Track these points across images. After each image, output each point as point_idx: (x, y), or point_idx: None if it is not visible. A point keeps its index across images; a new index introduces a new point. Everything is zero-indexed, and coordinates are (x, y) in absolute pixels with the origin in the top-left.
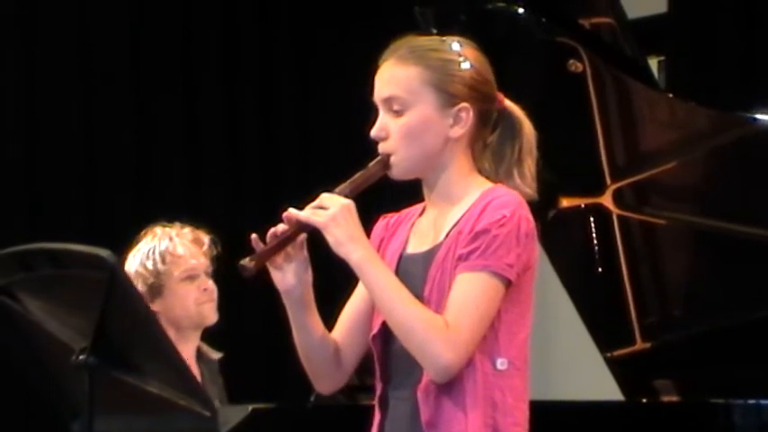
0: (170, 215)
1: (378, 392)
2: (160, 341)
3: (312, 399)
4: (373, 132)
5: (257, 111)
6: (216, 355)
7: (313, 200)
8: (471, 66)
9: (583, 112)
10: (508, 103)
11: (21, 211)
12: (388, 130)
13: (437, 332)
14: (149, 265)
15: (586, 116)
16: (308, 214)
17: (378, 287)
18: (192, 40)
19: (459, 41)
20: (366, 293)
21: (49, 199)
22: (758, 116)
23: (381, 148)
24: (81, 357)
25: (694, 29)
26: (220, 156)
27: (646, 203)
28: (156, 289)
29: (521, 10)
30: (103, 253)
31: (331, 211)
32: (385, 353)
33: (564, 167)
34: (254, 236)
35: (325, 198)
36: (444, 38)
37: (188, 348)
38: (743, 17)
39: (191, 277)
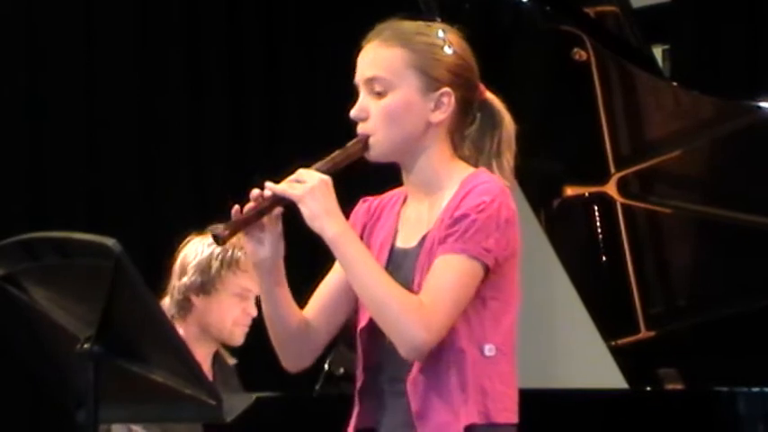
0: (174, 207)
1: (359, 384)
2: (165, 330)
3: (317, 388)
4: (353, 112)
5: (262, 110)
6: (232, 361)
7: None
8: (455, 52)
9: (587, 100)
10: (489, 94)
11: (24, 200)
12: (369, 111)
13: (411, 311)
14: (214, 265)
15: (590, 105)
16: (284, 187)
17: (352, 263)
18: (198, 37)
19: (443, 28)
20: (342, 274)
21: (54, 189)
22: (762, 104)
23: (361, 128)
24: (86, 346)
25: (699, 17)
26: (223, 153)
27: (650, 192)
28: (207, 288)
29: None
30: (109, 242)
31: (308, 185)
32: (375, 345)
33: (568, 156)
34: (235, 207)
35: (302, 172)
36: (429, 23)
37: (203, 350)
38: (747, 5)
39: (242, 296)
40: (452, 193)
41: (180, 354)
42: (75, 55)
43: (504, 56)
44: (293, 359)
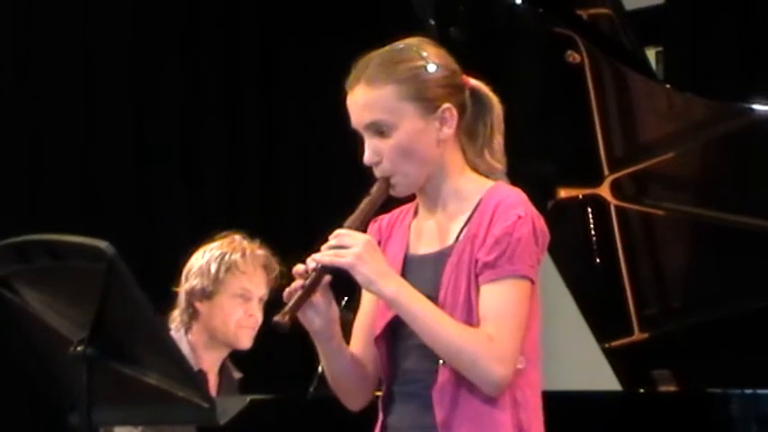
0: (169, 210)
1: (383, 392)
2: (159, 332)
3: (311, 390)
4: (366, 160)
5: (261, 113)
6: (237, 375)
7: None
8: (438, 65)
9: (581, 102)
10: (473, 81)
11: (20, 203)
12: (381, 154)
13: (485, 350)
14: (213, 268)
15: (584, 107)
16: (331, 257)
17: (417, 316)
18: (197, 38)
19: (416, 44)
20: (373, 300)
21: (49, 191)
22: (756, 106)
23: (379, 171)
24: (79, 349)
25: (692, 19)
26: (220, 156)
27: (644, 194)
28: (208, 293)
29: (519, 1)
30: (101, 244)
31: (355, 250)
32: (390, 353)
33: (562, 158)
34: (286, 290)
35: (344, 236)
36: (401, 44)
37: (212, 357)
38: (740, 7)
39: (243, 297)
40: (472, 205)
41: (173, 356)
42: (73, 57)
43: (497, 58)
44: (357, 397)
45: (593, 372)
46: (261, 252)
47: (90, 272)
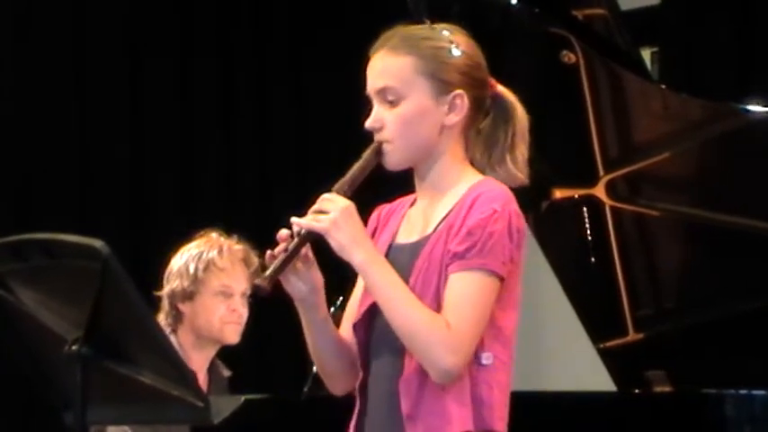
0: (162, 209)
1: (359, 380)
2: (153, 331)
3: (305, 390)
4: (368, 124)
5: (253, 113)
6: (226, 373)
7: (312, 202)
8: (463, 52)
9: (576, 103)
10: (501, 88)
11: (15, 201)
12: (384, 121)
13: (440, 336)
14: (191, 268)
15: (579, 107)
16: (309, 221)
17: (381, 288)
18: (191, 40)
19: (449, 28)
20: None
21: (42, 191)
22: (750, 107)
23: (377, 138)
24: (74, 348)
25: (687, 20)
26: (212, 156)
27: (639, 195)
28: (189, 293)
29: (514, 1)
30: (97, 243)
31: (332, 216)
32: (366, 341)
33: (557, 158)
34: (268, 253)
35: (325, 201)
36: (434, 25)
37: (201, 357)
38: (735, 7)
39: (224, 294)
40: (458, 196)
41: (168, 355)
42: (68, 54)
43: (492, 58)
44: (342, 382)
45: (587, 372)
46: (238, 247)
47: (85, 271)
